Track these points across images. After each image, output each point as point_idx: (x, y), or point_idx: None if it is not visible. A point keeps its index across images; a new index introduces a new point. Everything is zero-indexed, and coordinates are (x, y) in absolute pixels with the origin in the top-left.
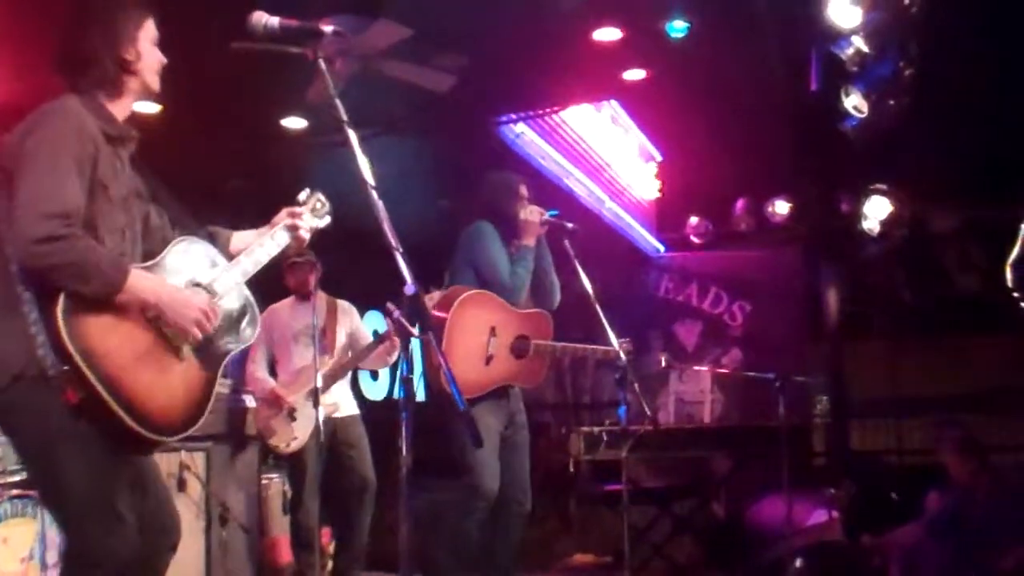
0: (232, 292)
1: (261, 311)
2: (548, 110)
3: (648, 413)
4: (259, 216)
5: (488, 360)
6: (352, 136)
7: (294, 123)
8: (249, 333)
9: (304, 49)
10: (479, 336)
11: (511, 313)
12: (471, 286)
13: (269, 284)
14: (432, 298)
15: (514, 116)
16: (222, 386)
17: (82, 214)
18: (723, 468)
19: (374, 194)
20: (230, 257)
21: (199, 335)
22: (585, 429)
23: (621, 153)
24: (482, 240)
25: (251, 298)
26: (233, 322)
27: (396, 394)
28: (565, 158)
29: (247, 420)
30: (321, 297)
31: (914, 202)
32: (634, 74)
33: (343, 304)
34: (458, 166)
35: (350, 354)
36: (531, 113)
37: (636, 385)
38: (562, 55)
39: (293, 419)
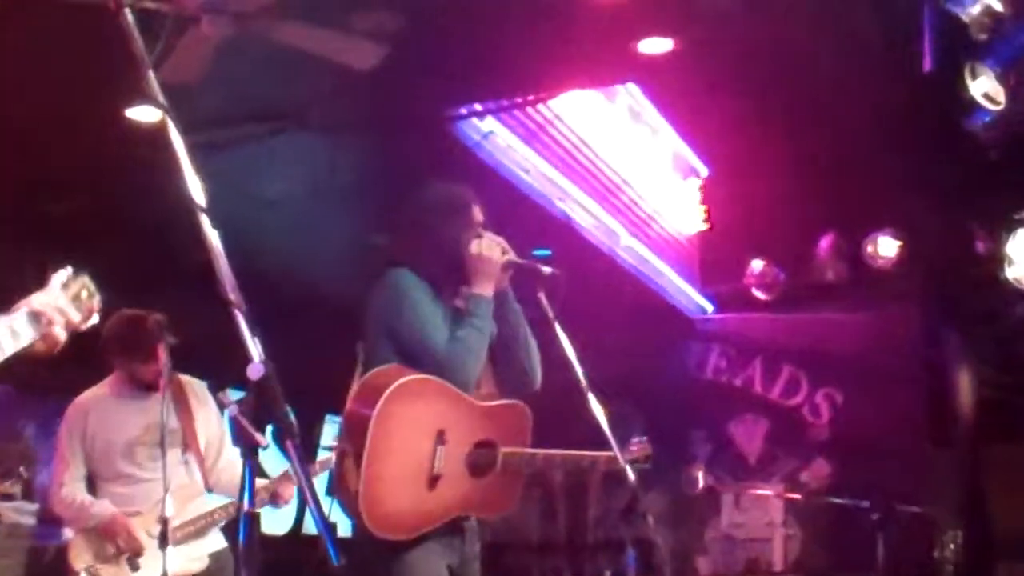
0: None
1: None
2: (531, 98)
3: (662, 563)
4: (94, 249)
5: (433, 481)
6: (176, 137)
7: (145, 115)
8: None
9: None
10: (420, 445)
11: (467, 406)
12: (403, 368)
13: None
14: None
15: (479, 107)
16: (21, 513)
17: None
18: None
19: (205, 220)
20: None
21: None
22: None
23: (646, 164)
24: (400, 294)
25: None
26: None
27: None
28: (559, 171)
29: (70, 558)
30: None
31: None
32: (655, 44)
33: (194, 385)
34: (397, 181)
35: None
36: (506, 103)
37: (651, 518)
38: (549, 17)
39: (136, 567)
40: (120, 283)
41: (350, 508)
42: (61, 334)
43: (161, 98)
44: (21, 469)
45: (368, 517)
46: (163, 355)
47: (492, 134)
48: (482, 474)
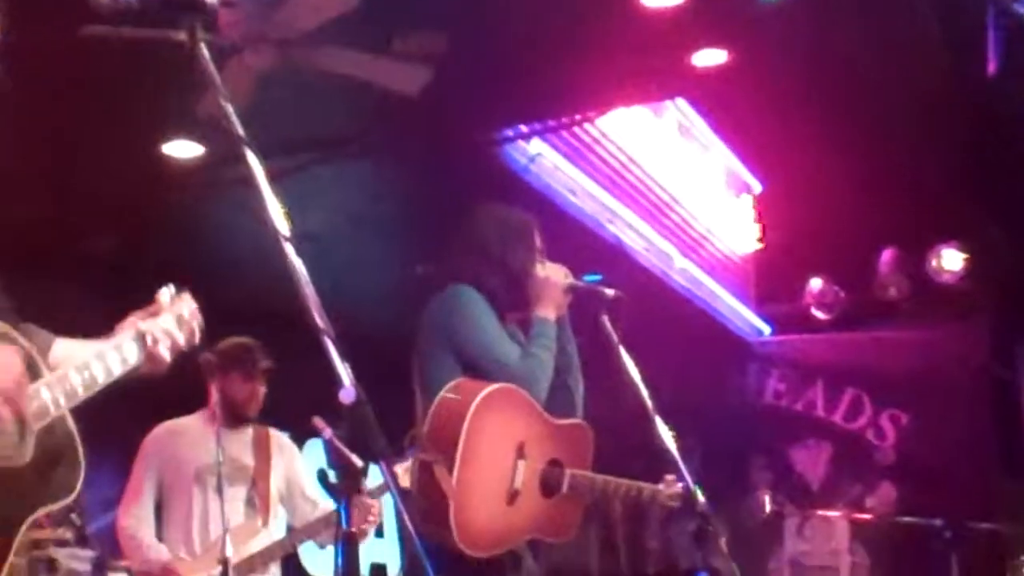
0: (49, 418)
1: (133, 434)
2: (579, 118)
3: None
4: (129, 293)
5: (513, 497)
6: (255, 164)
7: (182, 150)
8: (67, 487)
9: (178, 32)
10: (504, 457)
11: (544, 422)
12: (477, 381)
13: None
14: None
15: (526, 129)
16: (76, 560)
17: None
18: None
19: (290, 250)
20: (50, 371)
21: (7, 416)
22: None
23: (697, 182)
24: (465, 311)
25: (76, 432)
26: (46, 467)
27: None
28: (608, 191)
29: None
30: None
31: None
32: (709, 57)
33: (280, 438)
34: (442, 208)
35: (287, 522)
36: (552, 123)
37: (724, 541)
38: (597, 31)
39: None
40: None
41: (433, 518)
42: (166, 355)
43: (240, 130)
44: (73, 516)
45: (457, 528)
46: (261, 379)
47: (540, 156)
48: (551, 494)
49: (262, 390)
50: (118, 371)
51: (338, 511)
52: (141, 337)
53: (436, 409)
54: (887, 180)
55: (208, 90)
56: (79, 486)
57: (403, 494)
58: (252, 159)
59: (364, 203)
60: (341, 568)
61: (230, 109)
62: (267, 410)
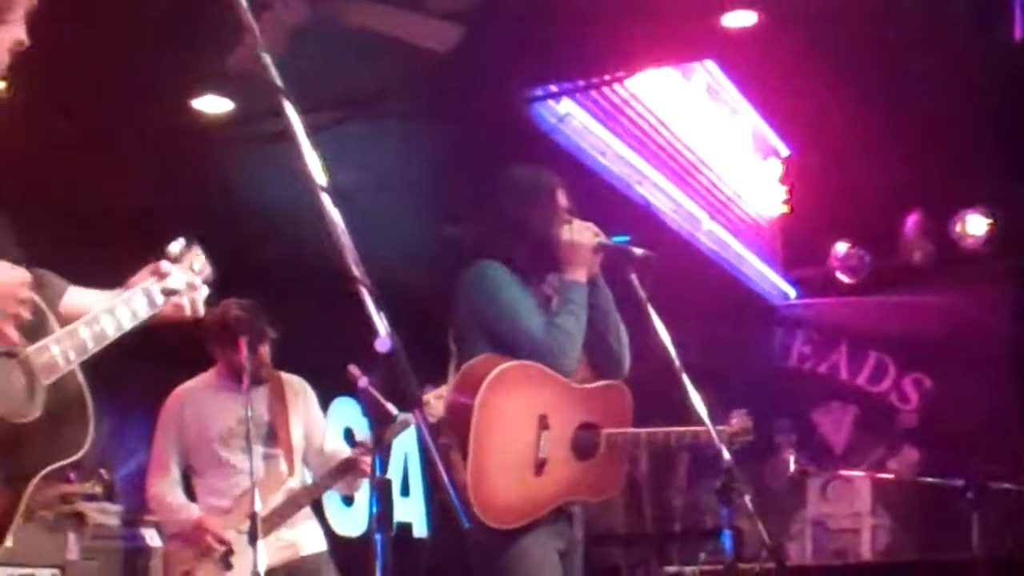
0: (59, 374)
1: (159, 387)
2: (608, 78)
3: (767, 542)
4: (155, 250)
5: (540, 467)
6: (293, 116)
7: (212, 105)
8: (75, 444)
9: None
10: (524, 431)
11: (567, 390)
12: (499, 357)
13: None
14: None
15: (556, 88)
16: (105, 514)
17: None
18: None
19: (327, 201)
20: (61, 321)
21: (14, 336)
22: (671, 570)
23: (725, 144)
24: (490, 285)
25: (86, 388)
26: (55, 423)
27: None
28: (636, 153)
29: (150, 567)
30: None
31: None
32: (739, 18)
33: (293, 382)
34: (471, 168)
35: (306, 475)
36: (582, 83)
37: (748, 499)
38: None
39: (228, 565)
40: None
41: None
42: (187, 306)
43: (279, 81)
44: (102, 471)
45: (480, 508)
46: (243, 346)
47: (569, 116)
48: (587, 457)
49: (264, 352)
50: (128, 325)
51: (372, 460)
52: (151, 292)
53: (449, 395)
54: (914, 144)
55: (240, 44)
56: (87, 443)
57: (434, 437)
58: (290, 110)
59: (393, 161)
60: (375, 515)
61: (268, 60)
62: (298, 366)
